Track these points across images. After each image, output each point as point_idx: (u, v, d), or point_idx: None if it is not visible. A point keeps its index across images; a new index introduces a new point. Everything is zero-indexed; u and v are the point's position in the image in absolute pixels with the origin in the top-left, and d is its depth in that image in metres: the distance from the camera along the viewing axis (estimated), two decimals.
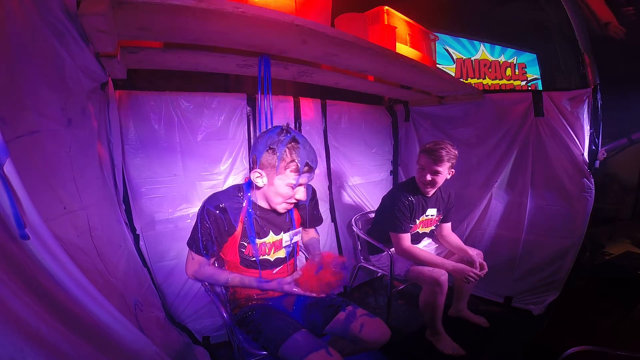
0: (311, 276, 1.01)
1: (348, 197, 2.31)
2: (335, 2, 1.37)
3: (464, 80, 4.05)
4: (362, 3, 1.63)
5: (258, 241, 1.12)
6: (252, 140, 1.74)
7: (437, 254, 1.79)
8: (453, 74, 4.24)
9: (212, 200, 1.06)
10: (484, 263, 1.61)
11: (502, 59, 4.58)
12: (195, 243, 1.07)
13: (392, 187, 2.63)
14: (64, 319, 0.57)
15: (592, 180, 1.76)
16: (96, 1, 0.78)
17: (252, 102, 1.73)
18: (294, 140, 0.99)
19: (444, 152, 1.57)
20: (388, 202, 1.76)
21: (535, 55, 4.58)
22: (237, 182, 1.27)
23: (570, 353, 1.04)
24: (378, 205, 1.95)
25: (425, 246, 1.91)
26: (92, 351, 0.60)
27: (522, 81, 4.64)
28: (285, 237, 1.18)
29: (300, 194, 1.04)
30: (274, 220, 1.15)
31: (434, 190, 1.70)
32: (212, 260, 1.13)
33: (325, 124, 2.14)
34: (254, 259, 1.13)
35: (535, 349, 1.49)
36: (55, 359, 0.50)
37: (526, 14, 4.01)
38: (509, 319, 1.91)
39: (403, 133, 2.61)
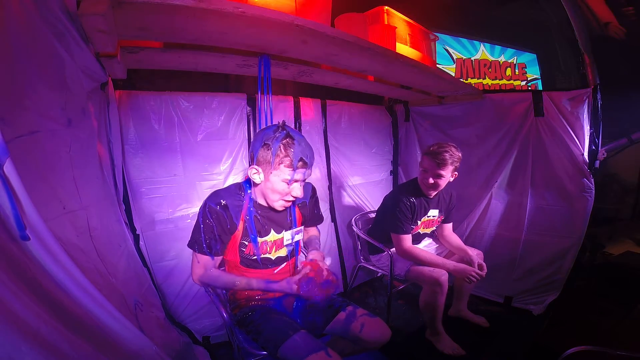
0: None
1: (348, 197, 2.31)
2: (335, 2, 1.37)
3: (464, 80, 4.05)
4: (362, 3, 1.63)
5: (259, 240, 1.12)
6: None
7: (437, 254, 1.79)
8: (453, 74, 4.24)
9: (214, 198, 1.06)
10: (484, 264, 1.60)
11: (502, 59, 4.58)
12: (198, 243, 1.06)
13: (392, 187, 2.63)
14: (64, 319, 0.57)
15: (592, 180, 1.76)
16: (96, 1, 0.78)
17: (252, 102, 1.73)
18: (289, 136, 1.00)
19: (447, 156, 1.56)
20: (390, 203, 1.75)
21: (535, 55, 4.58)
22: (238, 181, 1.27)
23: (570, 353, 1.04)
24: (379, 205, 1.95)
25: (426, 246, 1.91)
26: (92, 351, 0.60)
27: (522, 81, 4.64)
28: (286, 236, 1.18)
29: (296, 190, 1.04)
30: (275, 218, 1.15)
31: (436, 192, 1.70)
32: (218, 260, 1.12)
33: (325, 124, 2.14)
34: (254, 257, 1.13)
35: (535, 349, 1.49)
36: (55, 359, 0.50)
37: (526, 14, 4.01)
38: (509, 319, 1.91)
39: (403, 133, 2.61)
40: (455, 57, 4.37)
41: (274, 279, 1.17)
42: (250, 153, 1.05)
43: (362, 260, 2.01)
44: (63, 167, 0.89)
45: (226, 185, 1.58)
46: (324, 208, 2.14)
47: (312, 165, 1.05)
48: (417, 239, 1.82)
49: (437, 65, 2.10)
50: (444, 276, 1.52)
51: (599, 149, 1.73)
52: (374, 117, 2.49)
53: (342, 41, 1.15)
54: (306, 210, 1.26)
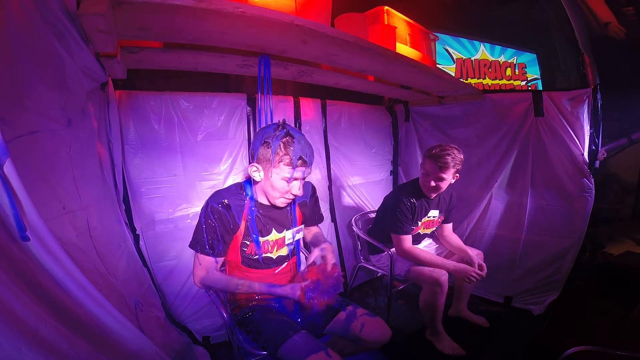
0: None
1: (348, 197, 2.31)
2: (335, 2, 1.37)
3: (464, 80, 4.05)
4: (362, 3, 1.63)
5: (261, 239, 1.12)
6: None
7: (437, 254, 1.79)
8: (453, 74, 4.23)
9: (216, 197, 1.06)
10: (484, 264, 1.61)
11: (502, 59, 4.58)
12: (200, 243, 1.05)
13: (392, 187, 2.63)
14: (64, 319, 0.57)
15: (592, 180, 1.76)
16: (96, 1, 0.78)
17: (252, 102, 1.73)
18: (289, 135, 1.00)
19: (449, 159, 1.55)
20: (390, 203, 1.75)
21: (535, 55, 4.58)
22: (238, 181, 1.27)
23: (570, 353, 1.04)
24: (379, 205, 1.95)
25: (426, 246, 1.91)
26: (92, 351, 0.60)
27: (522, 81, 4.64)
28: (288, 235, 1.18)
29: (296, 189, 1.04)
30: (277, 217, 1.15)
31: (436, 194, 1.70)
32: (220, 262, 1.11)
33: (325, 124, 2.14)
34: (255, 257, 1.13)
35: (535, 349, 1.49)
36: (55, 359, 0.50)
37: (526, 14, 4.01)
38: (509, 319, 1.91)
39: (403, 133, 2.61)
40: (455, 57, 4.37)
41: (275, 279, 1.17)
42: (251, 151, 1.05)
43: (362, 260, 2.01)
44: (63, 167, 0.89)
45: (226, 185, 1.58)
46: (324, 208, 2.14)
47: (311, 163, 1.05)
48: (417, 239, 1.82)
49: (437, 65, 2.09)
50: (444, 276, 1.52)
51: (599, 149, 1.73)
52: (374, 117, 2.48)
53: (342, 41, 1.15)
54: (306, 209, 1.26)
